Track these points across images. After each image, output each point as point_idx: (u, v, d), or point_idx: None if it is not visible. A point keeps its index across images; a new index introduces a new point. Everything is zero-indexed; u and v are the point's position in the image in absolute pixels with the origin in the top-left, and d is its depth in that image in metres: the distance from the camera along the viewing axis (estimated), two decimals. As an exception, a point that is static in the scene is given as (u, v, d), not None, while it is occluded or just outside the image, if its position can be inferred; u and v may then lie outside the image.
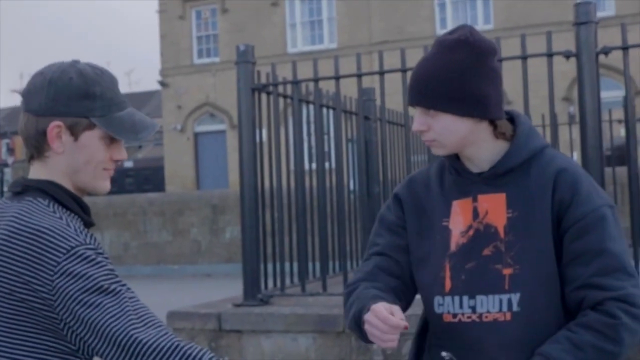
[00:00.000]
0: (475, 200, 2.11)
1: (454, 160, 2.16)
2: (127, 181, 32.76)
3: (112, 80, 1.84)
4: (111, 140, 1.82)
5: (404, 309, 2.15)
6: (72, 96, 1.77)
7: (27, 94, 1.81)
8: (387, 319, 1.91)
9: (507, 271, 2.06)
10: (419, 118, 2.11)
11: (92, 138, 1.80)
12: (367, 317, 1.96)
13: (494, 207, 2.09)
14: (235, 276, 4.90)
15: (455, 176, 2.16)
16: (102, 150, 1.82)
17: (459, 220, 2.12)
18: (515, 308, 2.05)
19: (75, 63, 1.82)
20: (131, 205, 25.47)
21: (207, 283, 18.39)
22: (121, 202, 25.88)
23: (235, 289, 4.89)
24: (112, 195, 28.64)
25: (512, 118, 2.13)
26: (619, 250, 2.02)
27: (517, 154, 2.10)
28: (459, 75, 2.04)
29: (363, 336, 2.05)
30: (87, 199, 1.85)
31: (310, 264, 4.98)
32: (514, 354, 2.04)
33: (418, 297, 2.23)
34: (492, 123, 2.10)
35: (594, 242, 2.01)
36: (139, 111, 1.89)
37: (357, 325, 2.06)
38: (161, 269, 24.19)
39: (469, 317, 2.08)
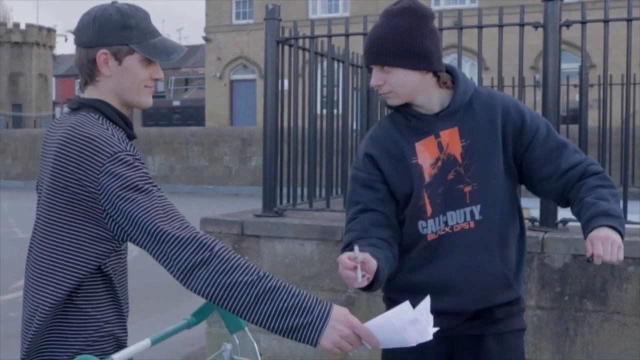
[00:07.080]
0: (437, 136, 2.10)
1: (409, 108, 2.12)
2: (174, 117, 32.65)
3: (144, 14, 1.81)
4: (149, 62, 1.80)
5: (398, 245, 2.14)
6: (113, 28, 1.75)
7: (77, 31, 1.79)
8: (343, 272, 1.86)
9: (467, 189, 2.08)
10: (375, 75, 2.07)
11: (133, 61, 1.78)
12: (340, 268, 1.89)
13: (451, 139, 2.09)
14: (259, 197, 4.88)
15: (415, 121, 2.11)
16: (142, 70, 1.80)
17: (425, 156, 2.10)
18: (477, 217, 2.08)
19: (113, 3, 1.80)
20: (177, 136, 25.49)
21: (235, 201, 18.51)
22: (169, 133, 25.90)
23: (257, 206, 4.87)
24: (162, 127, 28.67)
25: (447, 70, 2.12)
26: (567, 139, 2.15)
27: (463, 94, 2.10)
28: (406, 36, 2.00)
29: None
30: (142, 130, 1.84)
31: (317, 189, 4.98)
32: (475, 252, 2.10)
33: None
34: (435, 75, 2.08)
35: (553, 142, 2.10)
36: (170, 39, 1.86)
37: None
38: (199, 188, 24.34)
39: (443, 231, 2.10)
